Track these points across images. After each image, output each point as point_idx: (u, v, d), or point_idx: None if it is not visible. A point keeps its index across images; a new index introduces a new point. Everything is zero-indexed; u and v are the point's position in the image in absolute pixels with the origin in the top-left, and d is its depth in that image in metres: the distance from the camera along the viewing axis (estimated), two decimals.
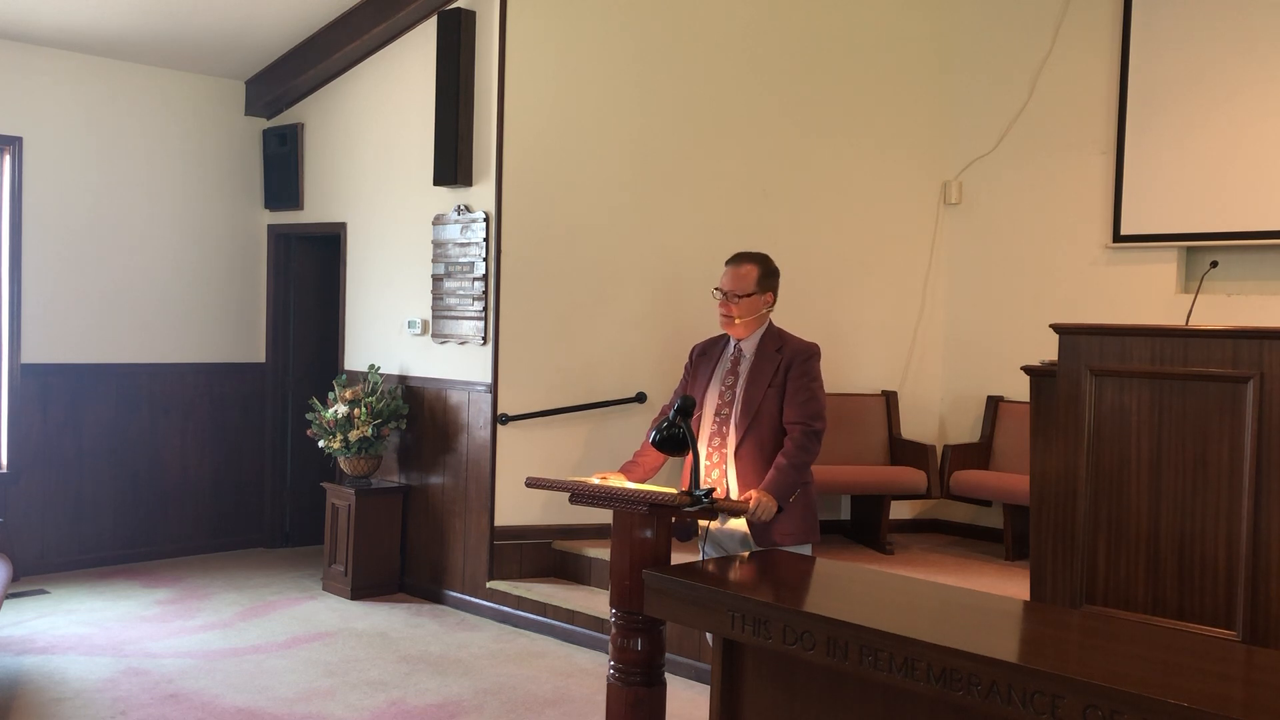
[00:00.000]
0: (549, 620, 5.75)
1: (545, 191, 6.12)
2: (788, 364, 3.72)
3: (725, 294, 3.79)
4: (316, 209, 7.31)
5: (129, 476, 7.04)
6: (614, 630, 3.30)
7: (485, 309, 6.09)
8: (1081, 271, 6.31)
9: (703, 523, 3.75)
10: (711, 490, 3.35)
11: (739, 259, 3.84)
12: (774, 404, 3.70)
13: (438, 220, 6.38)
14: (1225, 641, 2.84)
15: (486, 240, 6.07)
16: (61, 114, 6.73)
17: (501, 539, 6.07)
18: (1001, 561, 5.97)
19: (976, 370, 6.70)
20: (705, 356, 3.93)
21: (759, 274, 3.79)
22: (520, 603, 5.90)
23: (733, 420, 3.74)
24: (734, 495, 3.69)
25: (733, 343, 3.86)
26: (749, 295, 3.76)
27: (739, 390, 3.76)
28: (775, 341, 3.80)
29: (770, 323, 3.86)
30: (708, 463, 3.77)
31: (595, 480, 3.56)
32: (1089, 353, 3.24)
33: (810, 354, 3.77)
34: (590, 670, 5.19)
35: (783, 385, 3.70)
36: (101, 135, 6.89)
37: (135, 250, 7.04)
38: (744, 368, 3.79)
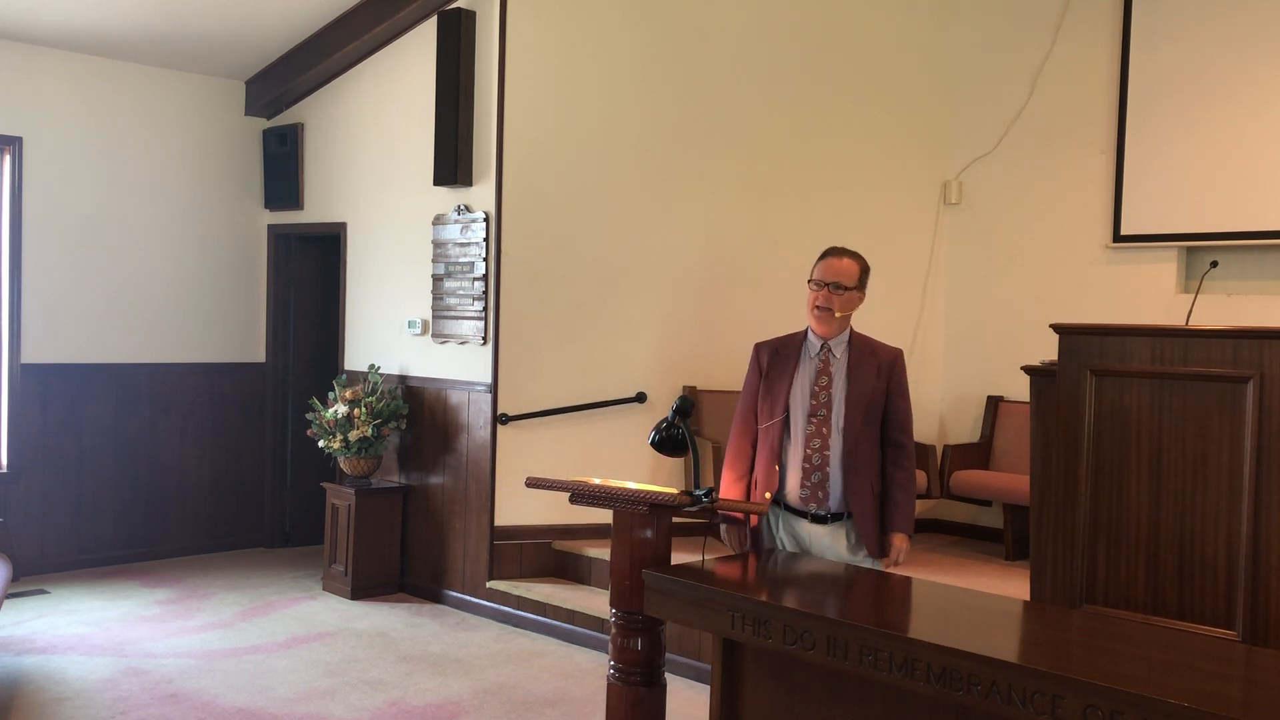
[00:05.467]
0: (549, 620, 5.75)
1: (545, 191, 6.12)
2: (889, 370, 3.58)
3: (828, 285, 3.55)
4: (316, 209, 7.31)
5: (129, 476, 7.04)
6: (614, 630, 3.30)
7: (485, 309, 6.09)
8: (1081, 271, 6.30)
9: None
10: (711, 490, 3.35)
11: (839, 251, 3.62)
12: (879, 410, 3.56)
13: (438, 220, 6.38)
14: (1225, 641, 2.83)
15: (486, 240, 6.07)
16: (62, 114, 6.73)
17: (501, 539, 6.07)
18: (1001, 561, 5.97)
19: (976, 370, 6.70)
20: (780, 356, 3.68)
21: (859, 270, 3.60)
22: (520, 603, 5.90)
23: (834, 422, 3.54)
24: (835, 498, 3.53)
25: (814, 341, 3.64)
26: (850, 290, 3.57)
27: (837, 391, 3.56)
28: (865, 344, 3.63)
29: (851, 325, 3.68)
30: (806, 465, 3.54)
31: (595, 480, 3.55)
32: (1089, 353, 3.23)
33: (901, 359, 3.64)
34: (590, 670, 5.19)
35: (885, 392, 3.57)
36: (101, 135, 6.89)
37: (135, 250, 7.04)
38: (838, 368, 3.58)
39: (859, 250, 3.69)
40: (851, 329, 3.66)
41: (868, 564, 3.55)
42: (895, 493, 3.55)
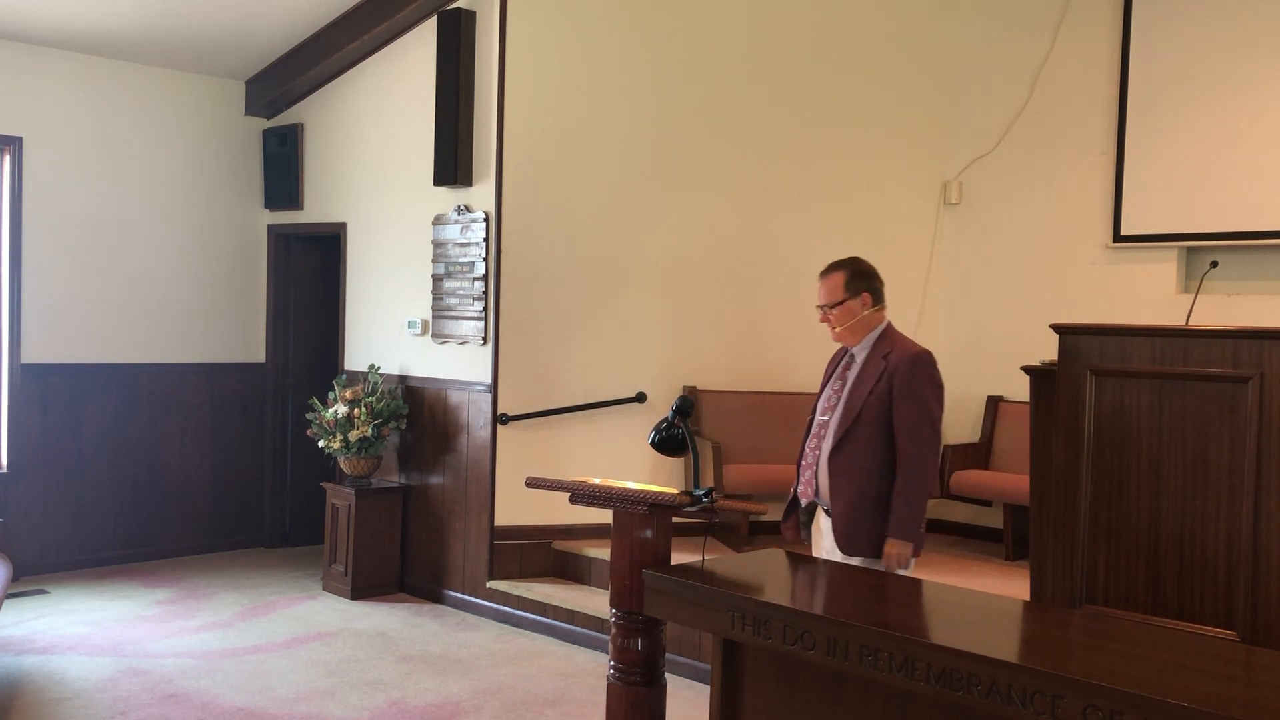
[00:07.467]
0: (549, 620, 5.75)
1: (545, 191, 6.12)
2: (892, 371, 3.61)
3: (821, 308, 3.77)
4: (316, 209, 7.31)
5: (129, 476, 7.03)
6: (614, 630, 3.30)
7: (485, 309, 6.09)
8: (1081, 271, 6.30)
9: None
10: (711, 490, 3.35)
11: (826, 270, 3.79)
12: (874, 413, 3.60)
13: (438, 220, 6.38)
14: (1225, 641, 2.83)
15: (486, 240, 6.07)
16: (62, 114, 6.73)
17: (501, 539, 6.07)
18: (1001, 561, 5.97)
19: (976, 370, 6.69)
20: (833, 360, 3.91)
21: (846, 278, 3.73)
22: (520, 603, 5.90)
23: (831, 425, 3.70)
24: (824, 500, 3.71)
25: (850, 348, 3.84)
26: (840, 303, 3.72)
27: (843, 395, 3.71)
28: (885, 346, 3.70)
29: (887, 326, 3.77)
30: (803, 462, 3.80)
31: (595, 480, 3.55)
32: (1089, 353, 3.24)
33: (916, 361, 3.62)
34: (590, 670, 5.19)
35: (886, 395, 3.60)
36: (102, 135, 6.89)
37: (135, 250, 7.04)
38: (852, 373, 3.74)
39: (852, 252, 3.93)
40: (884, 332, 3.76)
41: (870, 565, 3.60)
42: (892, 498, 3.61)
